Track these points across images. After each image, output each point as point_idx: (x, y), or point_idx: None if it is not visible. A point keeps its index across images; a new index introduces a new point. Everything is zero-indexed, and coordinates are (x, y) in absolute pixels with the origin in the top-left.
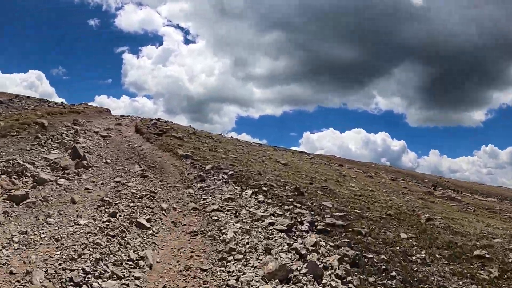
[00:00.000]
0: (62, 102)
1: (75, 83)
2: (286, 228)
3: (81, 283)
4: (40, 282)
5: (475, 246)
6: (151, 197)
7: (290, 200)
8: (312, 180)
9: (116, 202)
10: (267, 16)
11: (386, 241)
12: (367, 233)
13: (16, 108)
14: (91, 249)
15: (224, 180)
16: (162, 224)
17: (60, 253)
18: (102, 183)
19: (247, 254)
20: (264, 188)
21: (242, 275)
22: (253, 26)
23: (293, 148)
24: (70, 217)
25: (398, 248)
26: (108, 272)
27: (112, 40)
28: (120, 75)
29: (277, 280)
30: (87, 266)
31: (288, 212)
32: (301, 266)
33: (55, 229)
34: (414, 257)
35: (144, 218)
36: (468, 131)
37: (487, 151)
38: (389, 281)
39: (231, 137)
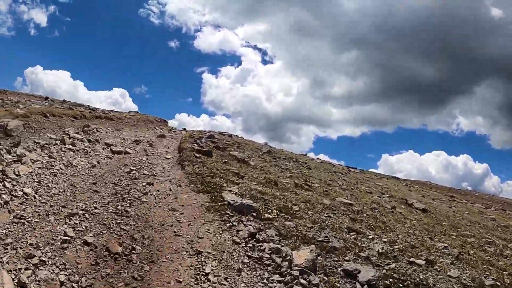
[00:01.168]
0: (92, 108)
1: (156, 101)
2: None
3: None
4: None
5: None
6: None
7: None
8: None
9: None
10: (344, 35)
11: None
12: None
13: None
14: None
15: None
16: None
17: None
18: None
19: None
20: None
21: None
22: (330, 45)
23: (371, 170)
24: None
25: None
26: None
27: (191, 60)
28: (200, 94)
29: None
30: None
31: None
32: None
33: None
34: None
35: None
36: None
37: None
38: None
39: (318, 158)
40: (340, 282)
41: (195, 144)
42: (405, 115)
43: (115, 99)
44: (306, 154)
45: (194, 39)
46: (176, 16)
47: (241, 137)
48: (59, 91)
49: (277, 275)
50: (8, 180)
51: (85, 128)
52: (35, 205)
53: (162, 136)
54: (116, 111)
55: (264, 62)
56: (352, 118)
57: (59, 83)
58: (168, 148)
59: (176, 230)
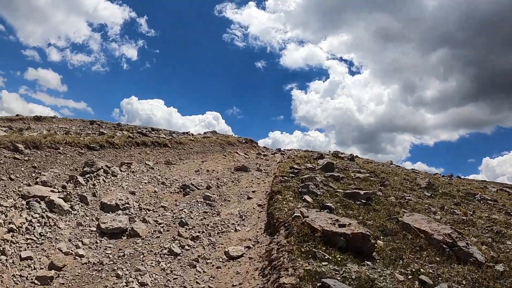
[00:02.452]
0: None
1: (249, 121)
2: None
3: None
4: None
5: None
6: None
7: None
8: None
9: None
10: (429, 35)
11: None
12: None
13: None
14: None
15: None
16: None
17: None
18: None
19: None
20: None
21: None
22: (416, 47)
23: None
24: None
25: None
26: None
27: (279, 78)
28: (291, 110)
29: None
30: None
31: None
32: None
33: None
34: None
35: None
36: None
37: None
38: None
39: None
40: None
41: (306, 194)
42: (504, 114)
43: (209, 122)
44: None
45: (280, 57)
46: (259, 36)
47: (362, 158)
48: (154, 118)
49: None
50: None
51: (122, 164)
52: None
53: (242, 168)
54: (188, 134)
55: (352, 73)
56: (448, 121)
57: (154, 111)
58: (250, 199)
59: None
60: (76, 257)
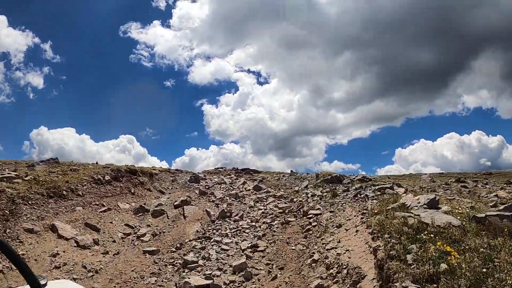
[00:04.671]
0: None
1: (164, 141)
2: None
3: None
4: None
5: None
6: None
7: None
8: None
9: None
10: (334, 39)
11: None
12: None
13: None
14: None
15: None
16: None
17: None
18: None
19: None
20: None
21: None
22: (322, 52)
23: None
24: None
25: None
26: None
27: (189, 95)
28: (204, 126)
29: None
30: None
31: None
32: None
33: None
34: None
35: None
36: None
37: None
38: None
39: None
40: None
41: None
42: (411, 106)
43: (124, 146)
44: None
45: (188, 74)
46: (166, 55)
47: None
48: (66, 148)
49: None
50: None
51: None
52: None
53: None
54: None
55: (260, 83)
56: (359, 119)
57: (65, 140)
58: None
59: None
60: None
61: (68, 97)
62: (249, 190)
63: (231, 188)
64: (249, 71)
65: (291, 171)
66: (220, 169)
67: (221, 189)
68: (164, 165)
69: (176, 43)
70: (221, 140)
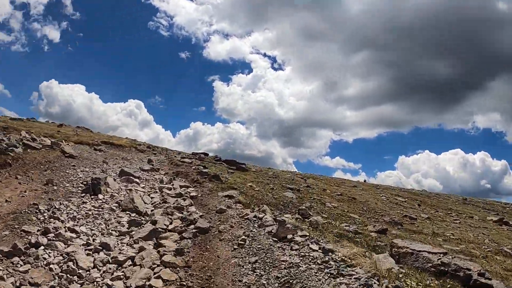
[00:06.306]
0: None
1: (171, 111)
2: None
3: None
4: None
5: None
6: None
7: None
8: None
9: None
10: (353, 37)
11: None
12: None
13: None
14: None
15: None
16: None
17: None
18: None
19: None
20: None
21: None
22: (340, 47)
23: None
24: None
25: None
26: None
27: (202, 69)
28: (212, 102)
29: None
30: None
31: None
32: None
33: None
34: None
35: None
36: None
37: None
38: None
39: None
40: None
41: None
42: (421, 115)
43: (131, 110)
44: None
45: (204, 49)
46: (185, 27)
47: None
48: (74, 105)
49: None
50: None
51: None
52: None
53: None
54: None
55: (274, 68)
56: (367, 120)
57: (74, 97)
58: None
59: None
60: None
61: (82, 54)
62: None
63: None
64: (265, 55)
65: None
66: (182, 160)
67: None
68: (169, 135)
69: (196, 17)
70: (227, 119)
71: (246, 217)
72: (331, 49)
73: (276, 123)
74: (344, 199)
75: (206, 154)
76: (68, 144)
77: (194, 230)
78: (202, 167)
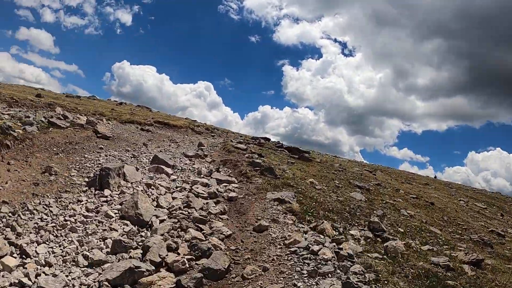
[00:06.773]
0: None
1: (239, 94)
2: None
3: None
4: None
5: None
6: None
7: None
8: None
9: None
10: (424, 23)
11: None
12: None
13: None
14: None
15: None
16: None
17: None
18: None
19: None
20: None
21: None
22: (411, 34)
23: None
24: None
25: None
26: None
27: (272, 53)
28: (281, 87)
29: None
30: None
31: None
32: None
33: None
34: None
35: None
36: None
37: None
38: None
39: None
40: None
41: None
42: (495, 110)
43: (200, 91)
44: None
45: (274, 32)
46: (254, 11)
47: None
48: (145, 85)
49: None
50: None
51: None
52: None
53: None
54: None
55: (345, 54)
56: (438, 111)
57: (145, 77)
58: None
59: None
60: None
61: (154, 37)
62: None
63: None
64: (335, 40)
65: None
66: (236, 146)
67: None
68: (237, 117)
69: (266, 1)
70: (296, 103)
71: (293, 248)
72: (401, 36)
73: (345, 110)
74: (421, 204)
75: (267, 139)
76: (108, 123)
77: (200, 275)
78: (256, 156)
